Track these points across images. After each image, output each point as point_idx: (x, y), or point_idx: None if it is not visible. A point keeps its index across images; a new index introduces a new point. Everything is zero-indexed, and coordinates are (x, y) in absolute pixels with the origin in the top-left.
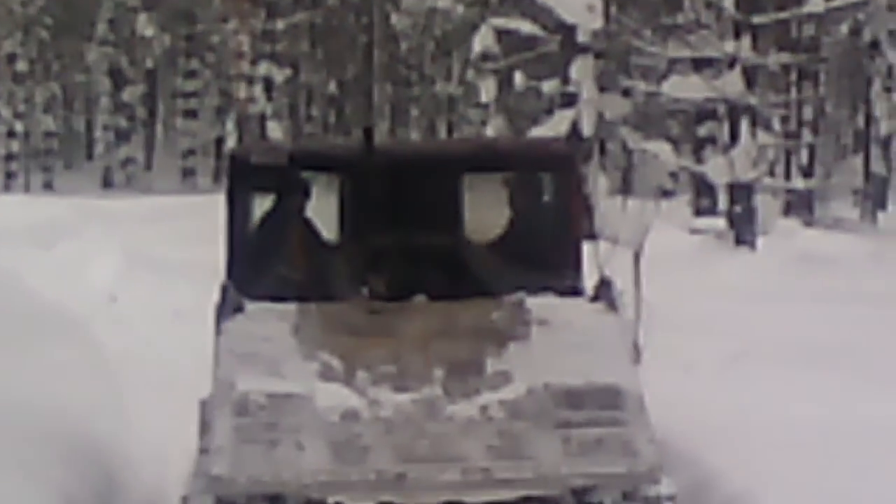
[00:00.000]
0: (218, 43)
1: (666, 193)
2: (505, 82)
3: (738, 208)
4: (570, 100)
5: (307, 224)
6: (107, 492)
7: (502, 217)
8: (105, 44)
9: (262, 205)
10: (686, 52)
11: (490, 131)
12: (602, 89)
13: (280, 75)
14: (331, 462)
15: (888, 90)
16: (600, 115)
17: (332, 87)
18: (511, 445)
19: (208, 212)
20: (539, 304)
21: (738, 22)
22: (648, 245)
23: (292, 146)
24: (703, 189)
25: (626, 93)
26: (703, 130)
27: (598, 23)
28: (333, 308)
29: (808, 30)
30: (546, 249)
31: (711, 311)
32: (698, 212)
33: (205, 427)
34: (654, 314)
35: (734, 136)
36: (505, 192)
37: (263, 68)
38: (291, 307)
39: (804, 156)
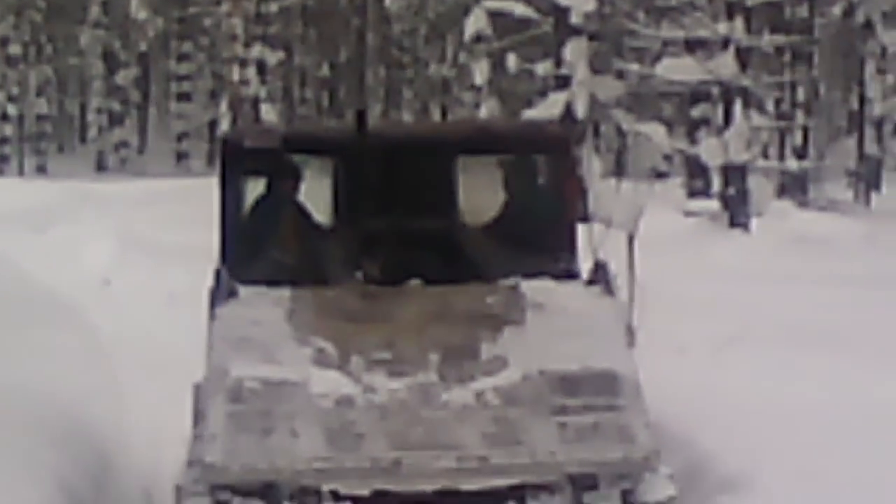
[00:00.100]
0: (211, 26)
1: (659, 175)
2: (498, 64)
3: (731, 190)
4: (563, 82)
5: (301, 208)
6: (101, 475)
7: (497, 200)
8: (98, 27)
9: (255, 189)
10: (679, 34)
11: (483, 114)
12: (595, 71)
13: (273, 58)
14: (325, 449)
15: (882, 71)
16: (593, 97)
17: (326, 69)
18: (507, 432)
19: (202, 195)
20: (534, 288)
21: (732, 3)
22: (642, 227)
23: (286, 129)
24: (696, 171)
25: (620, 75)
26: (696, 112)
27: (591, 5)
28: (327, 293)
29: (802, 11)
30: (541, 233)
31: (705, 293)
32: (692, 194)
33: (198, 413)
34: (648, 296)
35: (728, 118)
36: (499, 174)
37: (256, 51)
38: (285, 292)
39: (798, 137)
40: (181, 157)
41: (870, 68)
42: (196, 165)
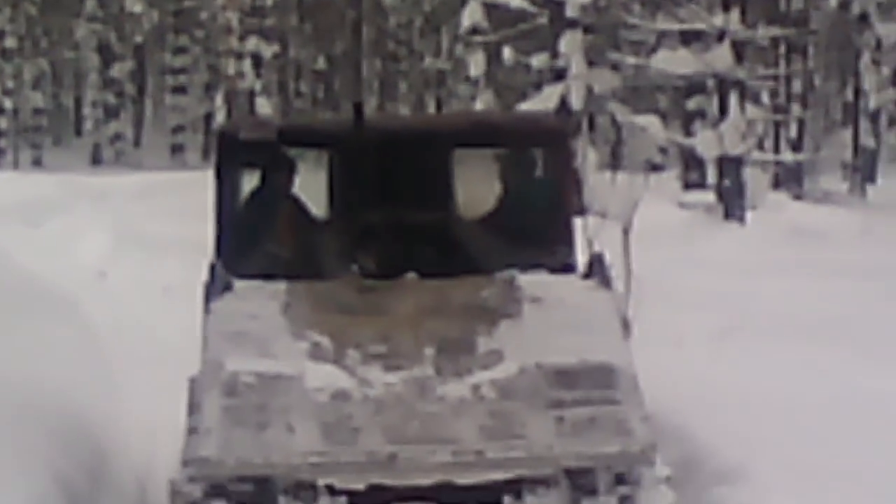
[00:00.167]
0: (206, 19)
1: (655, 167)
2: (494, 57)
3: (727, 182)
4: (559, 74)
5: (296, 201)
6: (97, 468)
7: (493, 193)
8: (94, 20)
9: (251, 182)
10: (675, 26)
11: (479, 106)
12: (591, 63)
13: (269, 51)
14: (321, 443)
15: (877, 63)
16: (589, 90)
17: (321, 62)
18: (503, 425)
19: (197, 188)
20: (531, 281)
21: None
22: (637, 219)
23: (281, 122)
24: (692, 163)
25: (615, 67)
26: (692, 104)
27: None
28: (323, 286)
29: (797, 3)
30: (538, 225)
31: (701, 285)
32: (687, 186)
33: (193, 407)
34: (644, 288)
35: (723, 110)
36: (496, 167)
37: (252, 44)
38: (281, 285)
39: (793, 129)
40: (177, 150)
41: (865, 60)
42: (192, 158)
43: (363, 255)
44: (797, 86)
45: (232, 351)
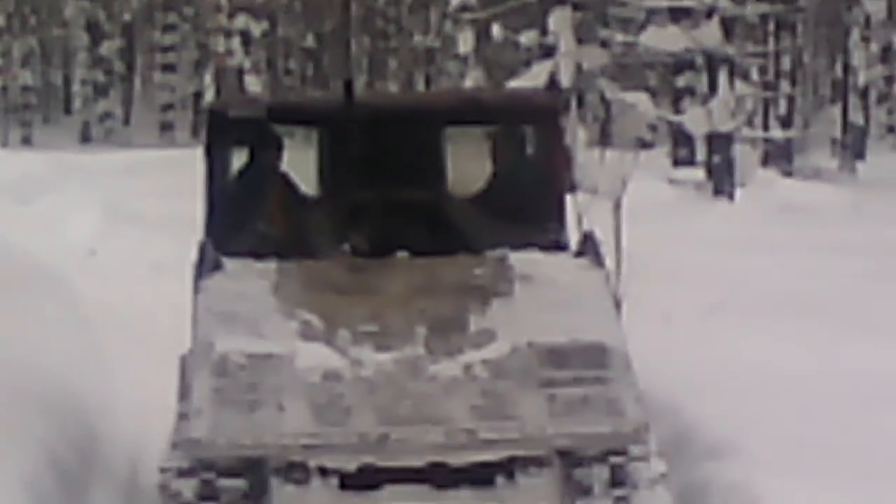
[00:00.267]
0: None
1: (644, 144)
2: (483, 34)
3: (716, 159)
4: (548, 51)
5: (286, 179)
6: (87, 445)
7: (484, 171)
8: None
9: (240, 160)
10: (664, 3)
11: (468, 83)
12: (580, 40)
13: (258, 28)
14: (312, 424)
15: (866, 40)
16: (578, 67)
17: (310, 40)
18: (495, 405)
19: (187, 166)
20: (522, 259)
21: None
22: (627, 196)
23: (271, 100)
24: (681, 140)
25: (605, 44)
26: (681, 81)
27: None
28: (314, 265)
29: None
30: (529, 203)
31: (690, 261)
32: (677, 162)
33: (183, 387)
34: (634, 265)
35: (712, 87)
36: (487, 144)
37: (241, 21)
38: (271, 265)
39: (782, 106)
40: (166, 127)
41: (854, 37)
42: (181, 136)
43: (354, 233)
44: (786, 62)
45: (222, 331)
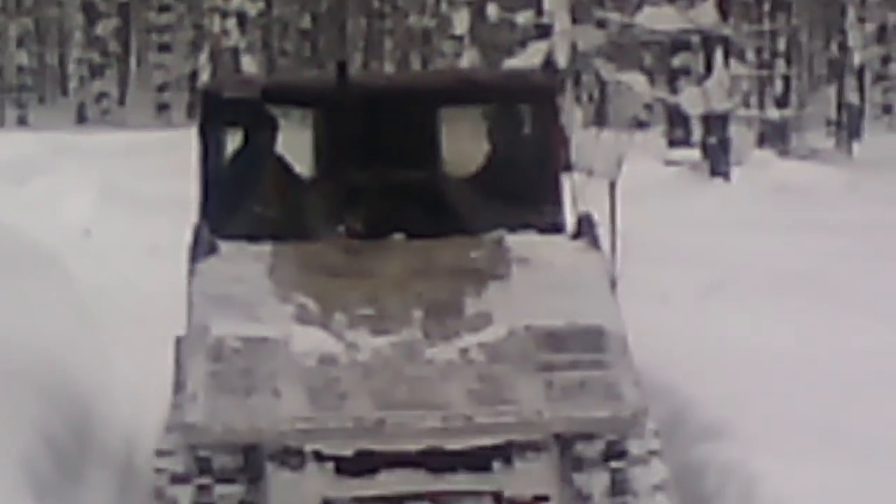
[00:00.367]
0: None
1: (640, 125)
2: (478, 14)
3: (712, 139)
4: (543, 31)
5: (281, 160)
6: (83, 426)
7: (481, 151)
8: None
9: (235, 141)
10: None
11: (464, 64)
12: (576, 20)
13: (253, 9)
14: (308, 409)
15: (862, 20)
16: (574, 47)
17: (306, 20)
18: (492, 390)
19: (183, 146)
20: (519, 241)
21: None
22: (623, 176)
23: (266, 80)
24: (677, 120)
25: (601, 24)
26: (677, 61)
27: None
28: (309, 248)
29: None
30: (526, 184)
31: (687, 241)
32: (673, 143)
33: (179, 372)
34: (629, 245)
35: (708, 67)
36: (483, 125)
37: (237, 2)
38: (266, 247)
39: (778, 86)
40: (162, 108)
41: (850, 16)
42: (176, 117)
43: (349, 215)
44: (782, 42)
45: (217, 314)
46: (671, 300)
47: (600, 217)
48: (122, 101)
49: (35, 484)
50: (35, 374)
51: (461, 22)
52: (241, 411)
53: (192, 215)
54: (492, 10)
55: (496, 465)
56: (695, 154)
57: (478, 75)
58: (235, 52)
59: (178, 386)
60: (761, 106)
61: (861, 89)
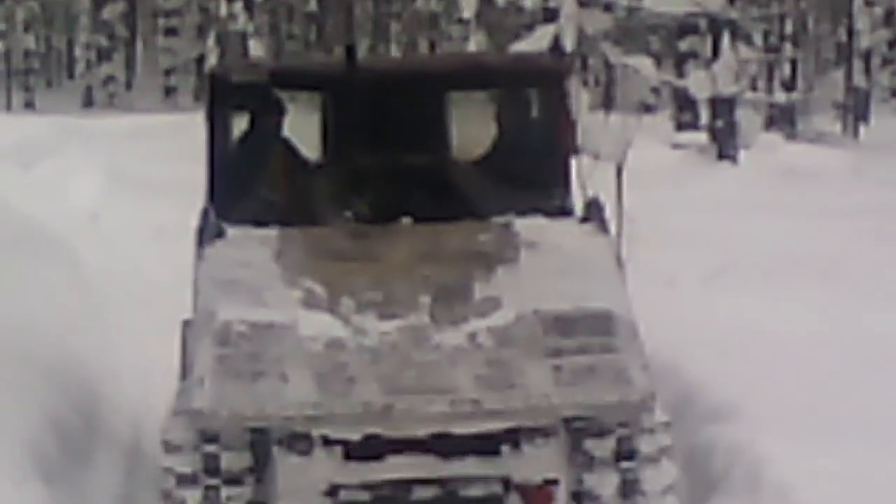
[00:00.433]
0: None
1: (648, 108)
2: None
3: (719, 123)
4: (551, 15)
5: (289, 145)
6: (90, 408)
7: (489, 135)
8: None
9: (243, 125)
10: None
11: (471, 48)
12: (583, 4)
13: None
14: (315, 394)
15: (869, 3)
16: (581, 31)
17: (313, 4)
18: (500, 375)
19: (190, 130)
20: (528, 225)
21: None
22: (630, 160)
23: (274, 64)
24: (684, 104)
25: (608, 7)
26: (684, 45)
27: None
28: (316, 232)
29: None
30: (534, 168)
31: (694, 225)
32: (680, 126)
33: (185, 356)
34: (637, 228)
35: (716, 51)
36: (492, 108)
37: None
38: (273, 232)
39: (786, 69)
40: (169, 92)
41: (858, 0)
42: (184, 101)
43: (357, 199)
44: (790, 26)
45: (224, 299)
46: (678, 283)
47: (607, 200)
48: (129, 85)
49: (42, 467)
50: (42, 357)
51: (468, 5)
52: (249, 396)
53: (199, 199)
54: None
55: (504, 449)
56: (702, 137)
57: (487, 59)
58: (243, 36)
59: (185, 371)
60: (769, 89)
61: (868, 73)
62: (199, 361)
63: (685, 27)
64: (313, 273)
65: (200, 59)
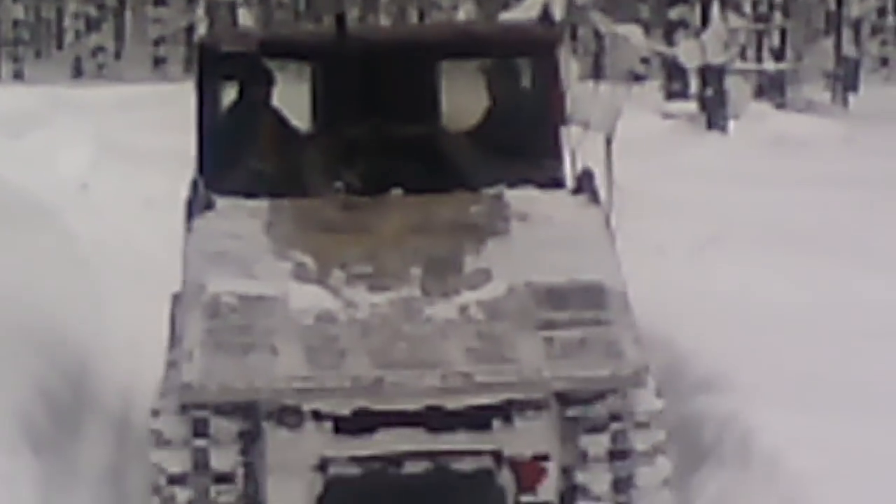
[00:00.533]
0: None
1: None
2: None
3: (709, 92)
4: None
5: (279, 115)
6: (79, 379)
7: (480, 105)
8: None
9: (232, 95)
10: None
11: (461, 17)
12: None
13: None
14: (306, 367)
15: None
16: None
17: None
18: (492, 348)
19: (179, 100)
20: (519, 197)
21: None
22: (620, 129)
23: (263, 34)
24: (674, 73)
25: None
26: (674, 14)
27: None
28: (306, 204)
29: None
30: (526, 139)
31: (683, 194)
32: (670, 95)
33: (174, 329)
34: (626, 197)
35: (705, 20)
36: (483, 79)
37: None
38: (263, 203)
39: (775, 38)
40: (158, 62)
41: None
42: (173, 71)
43: (347, 170)
44: None
45: (213, 272)
46: (668, 252)
47: (597, 170)
48: (118, 55)
49: (32, 437)
50: (32, 328)
51: None
52: (238, 370)
53: (188, 169)
54: None
55: (496, 423)
56: (692, 107)
57: (478, 28)
58: (232, 6)
59: (174, 344)
60: (758, 59)
61: (858, 42)
62: (188, 334)
63: None
64: (303, 245)
65: (190, 29)
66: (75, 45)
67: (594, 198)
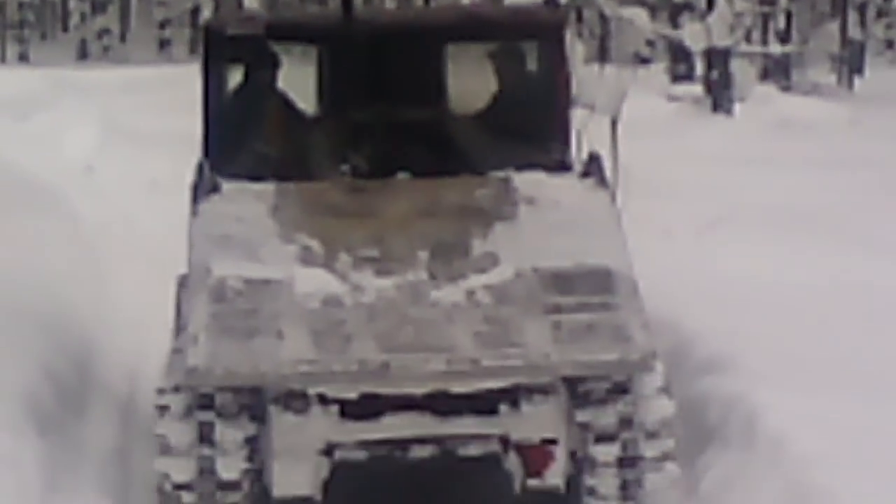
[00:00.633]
0: None
1: (643, 60)
2: None
3: (714, 74)
4: None
5: (285, 98)
6: (85, 361)
7: (487, 89)
8: None
9: (238, 79)
10: None
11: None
12: None
13: None
14: (311, 351)
15: None
16: None
17: None
18: (499, 332)
19: (184, 82)
20: (526, 180)
21: None
22: (625, 112)
23: (269, 16)
24: (679, 55)
25: None
26: None
27: None
28: (312, 187)
29: None
30: (533, 122)
31: (689, 177)
32: (675, 78)
33: (180, 312)
34: (632, 180)
35: (711, 2)
36: (490, 62)
37: None
38: (269, 187)
39: (781, 21)
40: (163, 44)
41: None
42: (178, 53)
43: (354, 154)
44: None
45: (219, 255)
46: (673, 235)
47: (602, 152)
48: (123, 38)
49: (37, 418)
50: (37, 309)
51: None
52: (244, 354)
53: (194, 151)
54: None
55: (503, 408)
56: (697, 89)
57: (484, 12)
58: None
59: (180, 327)
60: (764, 41)
61: (863, 25)
62: (194, 318)
63: None
64: (309, 229)
65: (195, 12)
66: (80, 28)
67: (602, 181)
